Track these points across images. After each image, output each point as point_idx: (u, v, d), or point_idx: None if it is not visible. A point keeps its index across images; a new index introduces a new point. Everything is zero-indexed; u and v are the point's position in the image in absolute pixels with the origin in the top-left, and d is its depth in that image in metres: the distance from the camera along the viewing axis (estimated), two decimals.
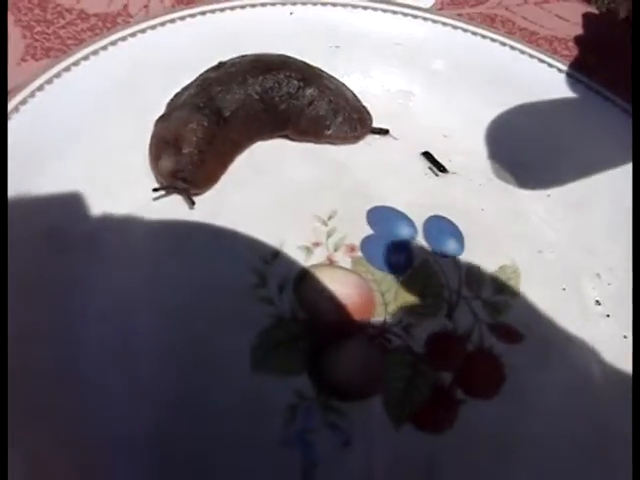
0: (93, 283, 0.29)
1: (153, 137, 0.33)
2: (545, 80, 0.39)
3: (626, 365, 0.32)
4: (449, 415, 0.29)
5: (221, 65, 0.35)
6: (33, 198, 0.29)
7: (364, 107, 0.38)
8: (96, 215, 0.31)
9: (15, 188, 0.29)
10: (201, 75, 0.35)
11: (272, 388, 0.28)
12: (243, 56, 0.36)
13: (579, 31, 0.41)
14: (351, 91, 0.38)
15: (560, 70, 0.39)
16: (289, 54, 0.36)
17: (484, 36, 0.39)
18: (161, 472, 0.27)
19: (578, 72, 0.38)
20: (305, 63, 0.36)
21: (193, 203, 0.32)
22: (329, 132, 0.36)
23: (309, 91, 0.35)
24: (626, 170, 0.36)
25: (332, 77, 0.37)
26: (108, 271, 0.30)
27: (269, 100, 0.34)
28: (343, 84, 0.37)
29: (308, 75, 0.35)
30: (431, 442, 0.28)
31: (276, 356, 0.28)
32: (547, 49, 0.40)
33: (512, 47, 0.39)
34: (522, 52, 0.39)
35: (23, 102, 0.31)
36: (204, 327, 0.29)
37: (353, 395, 0.28)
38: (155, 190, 0.32)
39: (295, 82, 0.35)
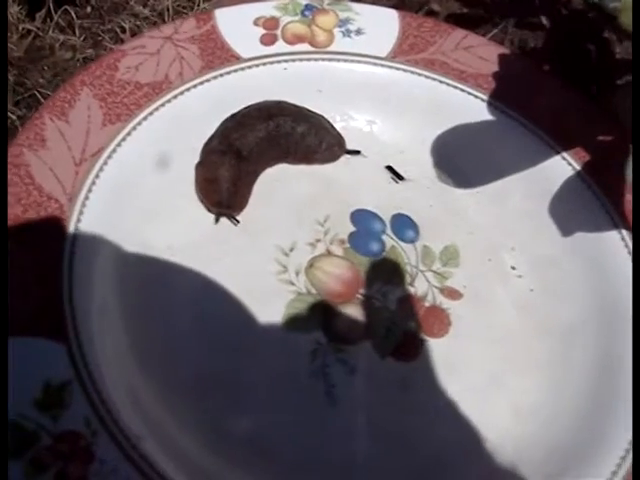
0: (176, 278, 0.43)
1: (197, 178, 0.46)
2: (472, 108, 0.50)
3: (531, 309, 0.46)
4: (416, 350, 0.43)
5: (234, 116, 0.47)
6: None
7: (339, 134, 0.50)
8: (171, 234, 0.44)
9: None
10: (221, 125, 0.47)
11: (298, 339, 0.42)
12: (249, 106, 0.48)
13: (496, 68, 0.52)
14: (330, 123, 0.50)
15: (482, 100, 0.50)
16: (285, 99, 0.48)
17: (427, 76, 0.51)
18: (209, 402, 0.39)
19: (496, 101, 0.50)
20: (296, 106, 0.49)
21: (238, 222, 0.45)
22: (317, 156, 0.49)
23: (300, 129, 0.47)
24: (530, 172, 0.49)
25: (316, 114, 0.49)
26: (179, 269, 0.43)
27: (273, 139, 0.46)
28: (323, 117, 0.49)
29: (299, 116, 0.48)
30: (404, 368, 0.42)
31: (299, 319, 0.42)
32: (473, 84, 0.51)
33: (447, 84, 0.51)
34: (455, 87, 0.51)
35: (109, 157, 0.43)
36: (248, 303, 0.42)
37: (352, 341, 0.42)
38: (216, 220, 0.45)
39: (290, 123, 0.47)
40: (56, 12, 0.58)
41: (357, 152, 0.51)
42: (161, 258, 0.43)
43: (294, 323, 0.42)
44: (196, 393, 0.40)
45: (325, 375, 0.41)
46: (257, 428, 0.39)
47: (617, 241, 0.46)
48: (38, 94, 0.54)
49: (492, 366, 0.43)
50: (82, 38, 0.58)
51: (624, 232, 0.47)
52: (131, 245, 0.43)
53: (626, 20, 0.37)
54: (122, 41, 0.58)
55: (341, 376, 0.41)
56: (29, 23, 0.57)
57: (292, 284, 0.44)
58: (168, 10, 0.61)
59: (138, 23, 0.60)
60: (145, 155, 0.45)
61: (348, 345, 0.42)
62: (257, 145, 0.46)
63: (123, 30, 0.59)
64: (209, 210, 0.46)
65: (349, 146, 0.50)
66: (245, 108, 0.48)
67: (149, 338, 0.40)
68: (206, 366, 0.40)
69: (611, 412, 0.41)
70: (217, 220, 0.45)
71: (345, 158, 0.50)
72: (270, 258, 0.45)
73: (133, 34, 0.59)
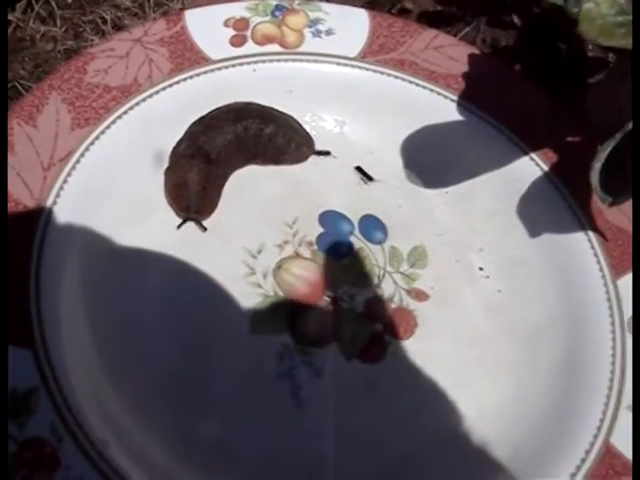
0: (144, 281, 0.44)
1: (167, 183, 0.46)
2: (441, 108, 0.51)
3: (499, 309, 0.47)
4: (382, 351, 0.44)
5: (202, 119, 0.48)
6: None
7: (308, 134, 0.51)
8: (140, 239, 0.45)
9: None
10: (189, 129, 0.48)
11: (265, 342, 0.43)
12: (217, 108, 0.48)
13: (466, 68, 0.52)
14: (298, 123, 0.51)
15: (452, 100, 0.51)
16: (255, 100, 0.49)
17: (396, 76, 0.51)
18: (176, 406, 0.40)
19: (466, 101, 0.51)
20: (263, 107, 0.49)
21: (205, 229, 0.46)
22: (286, 157, 0.50)
23: (268, 130, 0.48)
24: (499, 172, 0.50)
25: (284, 114, 0.50)
26: (148, 273, 0.44)
27: (241, 141, 0.47)
28: (292, 117, 0.50)
29: (266, 117, 0.48)
30: (371, 370, 0.43)
31: (266, 321, 0.43)
32: (443, 84, 0.52)
33: (417, 84, 0.51)
34: (424, 87, 0.51)
35: (77, 161, 0.43)
36: (212, 306, 0.43)
37: (318, 343, 0.43)
38: (179, 226, 0.46)
39: (257, 125, 0.47)
40: (37, 2, 0.58)
41: (327, 153, 0.51)
42: (130, 263, 0.44)
43: (261, 325, 0.43)
44: (163, 397, 0.40)
45: (292, 377, 0.42)
46: (223, 431, 0.40)
47: (584, 243, 0.47)
48: (19, 85, 0.54)
49: (459, 367, 0.45)
50: (63, 29, 0.58)
51: (590, 234, 0.48)
52: (100, 250, 0.43)
53: (585, 28, 0.38)
54: (103, 32, 0.59)
55: (308, 378, 0.42)
56: (9, 13, 0.57)
57: (260, 287, 0.45)
58: (149, 1, 0.61)
59: (119, 14, 0.60)
60: (114, 159, 0.45)
61: (315, 347, 0.43)
62: (225, 148, 0.47)
63: (104, 21, 0.59)
64: (177, 215, 0.46)
65: (319, 147, 0.51)
66: (213, 111, 0.49)
67: (117, 343, 0.41)
68: (174, 370, 0.41)
69: (575, 413, 0.42)
70: (180, 226, 0.46)
71: (314, 159, 0.51)
72: (238, 260, 0.45)
73: (114, 25, 0.59)
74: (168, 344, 0.42)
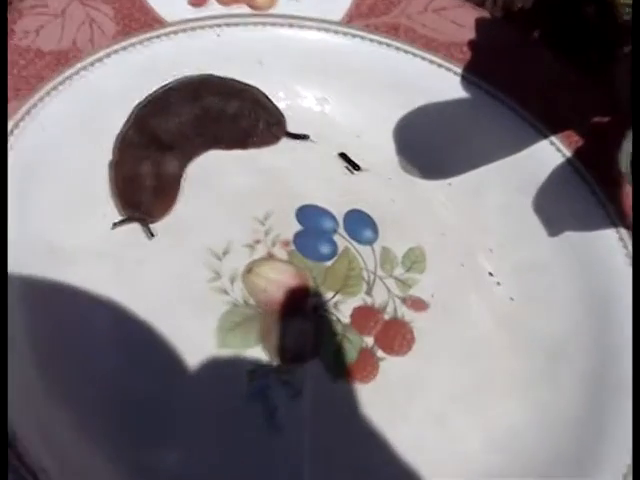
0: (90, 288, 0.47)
1: (114, 177, 0.50)
2: (443, 83, 0.55)
3: (511, 321, 0.51)
4: (373, 370, 0.48)
5: (151, 99, 0.52)
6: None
7: (278, 110, 0.55)
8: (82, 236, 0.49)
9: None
10: (135, 111, 0.52)
11: (235, 359, 0.46)
12: (167, 85, 0.53)
13: (472, 35, 0.56)
14: (266, 96, 0.55)
15: (456, 73, 0.55)
16: (218, 72, 0.54)
17: (389, 45, 0.56)
18: (129, 432, 0.43)
19: (471, 74, 0.55)
20: (224, 80, 0.54)
21: (152, 235, 0.50)
22: (254, 140, 0.54)
23: (231, 109, 0.52)
24: (512, 159, 0.54)
25: (249, 86, 0.54)
26: (93, 277, 0.47)
27: (200, 124, 0.51)
28: (258, 90, 0.55)
29: (228, 92, 0.53)
30: (359, 390, 0.47)
31: (235, 335, 0.47)
32: (444, 54, 0.56)
33: (413, 54, 0.56)
34: (422, 58, 0.56)
35: None
36: (173, 317, 0.47)
37: (298, 359, 0.47)
38: (116, 225, 0.49)
39: (218, 103, 0.52)
40: None
41: (305, 136, 0.56)
42: (71, 264, 0.47)
43: (229, 339, 0.47)
44: (114, 422, 0.44)
45: (266, 399, 0.46)
46: (185, 461, 0.44)
47: (614, 242, 0.52)
48: None
49: (463, 388, 0.49)
50: None
51: (623, 231, 0.52)
52: (37, 249, 0.47)
53: None
54: None
55: (284, 400, 0.46)
56: None
57: (226, 293, 0.49)
58: None
59: None
60: (49, 140, 0.49)
61: (293, 364, 0.47)
62: (181, 132, 0.51)
63: None
64: (120, 211, 0.50)
65: (296, 129, 0.56)
66: (163, 87, 0.53)
67: (59, 359, 0.44)
68: (125, 390, 0.45)
69: (606, 436, 0.46)
70: (117, 225, 0.50)
71: (291, 144, 0.56)
72: (200, 263, 0.50)
73: None
74: (118, 360, 0.46)
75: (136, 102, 0.52)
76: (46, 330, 0.45)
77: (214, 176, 0.53)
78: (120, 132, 0.52)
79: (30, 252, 0.47)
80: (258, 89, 0.55)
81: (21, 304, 0.45)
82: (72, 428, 0.43)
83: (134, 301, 0.48)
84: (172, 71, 0.53)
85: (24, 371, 0.43)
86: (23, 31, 0.51)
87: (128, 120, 0.52)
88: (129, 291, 0.48)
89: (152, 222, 0.50)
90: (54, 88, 0.50)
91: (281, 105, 0.56)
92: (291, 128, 0.56)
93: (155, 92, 0.53)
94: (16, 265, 0.45)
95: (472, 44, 0.57)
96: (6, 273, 0.42)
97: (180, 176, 0.52)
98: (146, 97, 0.53)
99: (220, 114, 0.52)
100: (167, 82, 0.53)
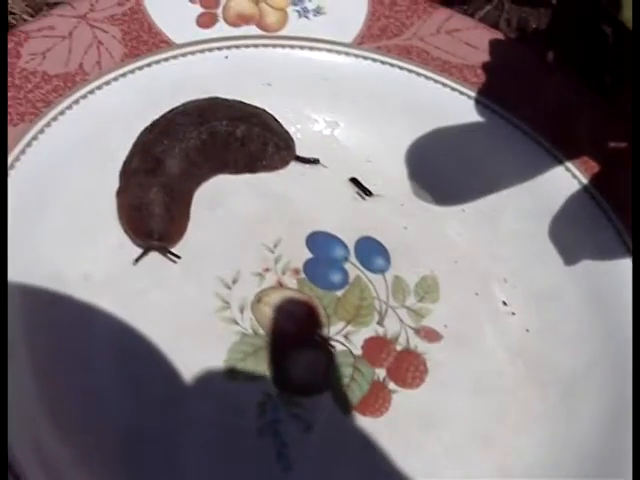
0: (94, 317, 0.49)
1: (121, 206, 0.52)
2: (456, 106, 0.58)
3: (526, 353, 0.53)
4: (385, 403, 0.50)
5: (155, 124, 0.54)
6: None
7: (287, 134, 0.57)
8: (88, 262, 0.50)
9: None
10: (140, 137, 0.54)
11: (243, 391, 0.48)
12: (173, 110, 0.55)
13: (486, 58, 0.58)
14: (275, 119, 0.57)
15: (469, 97, 0.58)
16: (226, 94, 0.56)
17: (401, 67, 0.58)
18: (133, 467, 0.45)
19: (485, 98, 0.58)
20: (230, 103, 0.56)
21: (177, 257, 0.51)
22: (263, 164, 0.57)
23: (239, 133, 0.54)
24: (527, 185, 0.56)
25: (256, 109, 0.56)
26: (98, 305, 0.49)
27: (207, 149, 0.53)
28: (266, 112, 0.57)
29: (236, 116, 0.55)
30: (371, 424, 0.49)
31: (244, 365, 0.49)
32: (458, 77, 0.58)
33: (426, 77, 0.58)
34: (435, 81, 0.58)
35: (11, 166, 0.49)
36: (180, 347, 0.49)
37: (308, 392, 0.49)
38: (138, 259, 0.51)
39: (225, 128, 0.54)
40: None
41: (315, 161, 0.58)
42: (76, 291, 0.49)
43: (238, 371, 0.49)
44: (118, 455, 0.45)
45: (276, 433, 0.48)
46: None
47: (629, 272, 0.53)
48: None
49: (477, 422, 0.51)
50: None
51: None
52: (41, 275, 0.49)
53: (629, 16, 0.45)
54: (39, 8, 0.64)
55: (295, 434, 0.48)
56: None
57: (235, 323, 0.51)
58: None
59: None
60: (55, 165, 0.51)
61: (304, 397, 0.49)
62: (188, 158, 0.53)
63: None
64: (135, 243, 0.52)
65: (306, 153, 0.58)
66: (168, 113, 0.55)
67: (62, 388, 0.46)
68: (131, 423, 0.47)
69: (625, 473, 0.46)
70: (140, 258, 0.51)
71: (301, 169, 0.58)
72: (209, 292, 0.51)
73: None
74: (124, 391, 0.47)
75: (143, 127, 0.54)
76: (48, 361, 0.47)
77: (222, 201, 0.55)
78: (126, 159, 0.54)
79: (33, 280, 0.48)
80: (267, 112, 0.57)
81: (24, 335, 0.46)
82: (74, 463, 0.44)
83: (139, 331, 0.49)
84: (179, 94, 0.55)
85: (24, 399, 0.44)
86: (29, 54, 0.53)
87: (134, 146, 0.54)
88: (134, 321, 0.49)
89: (171, 247, 0.52)
90: (61, 113, 0.52)
91: (291, 129, 0.58)
92: (301, 152, 0.58)
93: (161, 116, 0.55)
94: (19, 294, 0.47)
95: (486, 66, 0.59)
96: (6, 272, 0.43)
97: (189, 202, 0.54)
98: (152, 122, 0.55)
99: (228, 138, 0.54)
100: (174, 106, 0.55)
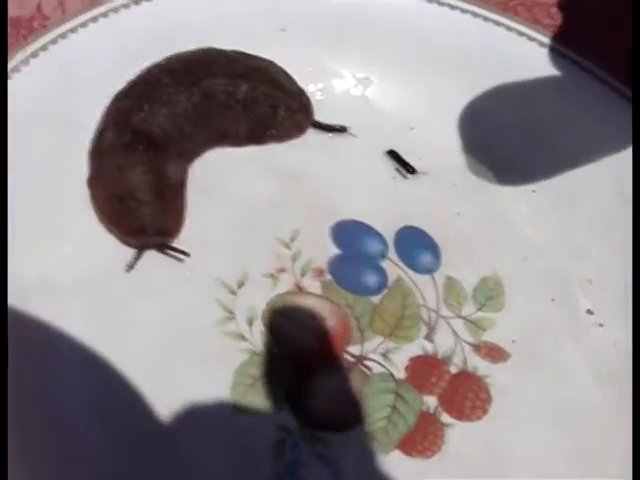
0: (62, 331, 0.50)
1: (96, 198, 0.52)
2: (525, 57, 0.59)
3: (615, 374, 0.54)
4: (436, 440, 0.51)
5: (132, 86, 0.54)
6: None
7: (302, 91, 0.58)
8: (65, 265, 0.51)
9: None
10: (112, 105, 0.54)
11: (256, 426, 0.49)
12: (153, 67, 0.55)
13: None
14: (283, 70, 0.58)
15: (541, 44, 0.58)
16: (225, 44, 0.56)
17: (452, 6, 0.59)
18: None
19: (563, 45, 0.58)
20: (229, 54, 0.56)
21: (186, 254, 0.52)
22: (272, 132, 0.57)
23: (240, 94, 0.55)
24: (622, 157, 0.56)
25: (262, 61, 0.57)
26: (78, 317, 0.50)
27: (201, 116, 0.54)
28: (274, 65, 0.57)
29: (236, 71, 0.55)
30: (420, 468, 0.50)
31: (254, 393, 0.50)
32: (526, 18, 0.58)
33: (485, 18, 0.59)
34: (497, 23, 0.59)
35: None
36: (175, 372, 0.50)
37: (337, 426, 0.50)
38: (133, 263, 0.52)
39: (223, 88, 0.54)
40: None
41: (341, 129, 0.59)
42: (39, 301, 0.50)
43: (248, 400, 0.50)
44: None
45: (297, 479, 0.48)
46: None
47: None
48: None
49: (552, 462, 0.52)
50: None
51: None
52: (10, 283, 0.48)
53: None
54: None
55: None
56: None
57: (243, 338, 0.52)
58: None
59: None
60: (15, 140, 0.51)
61: (331, 433, 0.50)
62: (176, 127, 0.53)
63: None
64: (125, 243, 0.53)
65: (328, 119, 0.59)
66: (149, 69, 0.55)
67: (27, 424, 0.47)
68: (117, 465, 0.47)
69: None
70: (135, 263, 0.52)
71: (323, 139, 0.59)
72: (209, 299, 0.53)
73: None
74: (105, 437, 0.48)
75: (117, 88, 0.55)
76: (22, 384, 0.47)
77: (222, 183, 0.57)
78: (96, 133, 0.54)
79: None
80: (275, 64, 0.58)
81: None
82: None
83: (123, 352, 0.50)
84: (164, 44, 0.56)
85: None
86: None
87: (105, 115, 0.54)
88: (114, 339, 0.50)
89: (171, 242, 0.53)
90: (15, 69, 0.53)
91: (309, 87, 0.59)
92: (322, 117, 0.59)
93: (139, 76, 0.55)
94: None
95: (564, 4, 0.60)
96: (6, 269, 0.46)
97: (183, 180, 0.55)
98: (127, 83, 0.55)
99: (226, 101, 0.55)
100: (155, 61, 0.56)
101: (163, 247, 0.52)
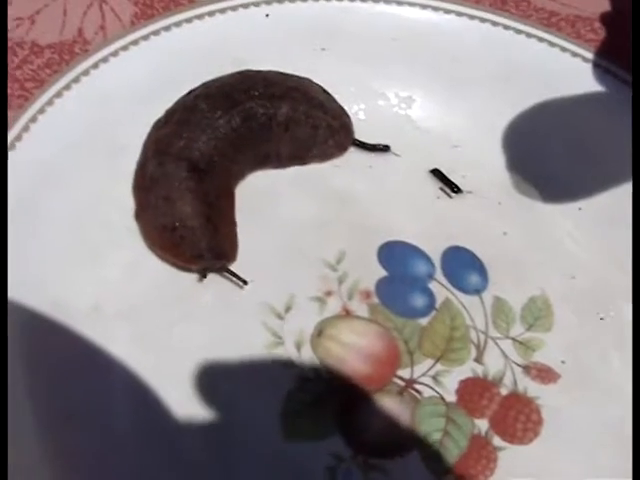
0: (108, 356, 0.50)
1: (146, 230, 0.53)
2: (568, 72, 0.58)
3: None
4: (489, 464, 0.51)
5: (171, 113, 0.54)
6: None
7: (341, 108, 0.58)
8: (98, 289, 0.51)
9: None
10: (151, 134, 0.54)
11: (307, 453, 0.49)
12: (194, 90, 0.55)
13: (607, 7, 0.58)
14: (321, 88, 0.58)
15: (585, 59, 0.58)
16: (265, 64, 0.56)
17: (495, 22, 0.59)
18: None
19: (607, 61, 0.58)
20: (265, 77, 0.56)
21: (244, 282, 0.53)
22: (313, 152, 0.57)
23: (281, 116, 0.55)
24: None
25: (299, 80, 0.57)
26: (112, 343, 0.50)
27: (241, 140, 0.54)
28: (311, 83, 0.57)
29: (275, 93, 0.55)
30: None
31: (306, 420, 0.50)
32: (569, 33, 0.58)
33: (528, 34, 0.59)
34: (540, 39, 0.58)
35: None
36: (222, 399, 0.50)
37: (390, 452, 0.50)
38: (202, 276, 0.52)
39: (263, 111, 0.54)
40: None
41: (384, 148, 0.59)
42: (84, 325, 0.50)
43: (299, 427, 0.50)
44: None
45: None
46: None
47: None
48: None
49: None
50: None
51: None
52: (41, 307, 0.50)
53: None
54: None
55: None
56: None
57: (292, 364, 0.51)
58: None
59: None
60: (50, 164, 0.52)
61: (384, 459, 0.50)
62: (217, 150, 0.53)
63: None
64: (187, 270, 0.53)
65: (371, 138, 0.59)
66: (188, 95, 0.55)
67: (69, 448, 0.47)
68: None
69: None
70: (202, 277, 0.53)
71: (367, 159, 0.59)
72: (256, 324, 0.52)
73: None
74: (152, 462, 0.48)
75: (158, 110, 0.55)
76: (52, 414, 0.48)
77: (265, 205, 0.57)
78: (138, 165, 0.54)
79: (32, 309, 0.49)
80: (312, 82, 0.58)
81: (25, 379, 0.48)
82: None
83: (171, 377, 0.50)
84: (205, 65, 0.56)
85: (28, 457, 0.46)
86: (14, 19, 0.54)
87: (146, 145, 0.54)
88: (163, 362, 0.50)
89: (230, 264, 0.53)
90: (57, 95, 0.53)
91: (352, 107, 0.59)
92: (365, 137, 0.59)
93: (177, 102, 0.55)
94: (16, 324, 0.48)
95: (608, 19, 0.60)
96: (6, 276, 0.46)
97: (231, 203, 0.55)
98: (166, 111, 0.55)
99: (267, 123, 0.55)
100: (193, 87, 0.56)
101: (223, 270, 0.53)
